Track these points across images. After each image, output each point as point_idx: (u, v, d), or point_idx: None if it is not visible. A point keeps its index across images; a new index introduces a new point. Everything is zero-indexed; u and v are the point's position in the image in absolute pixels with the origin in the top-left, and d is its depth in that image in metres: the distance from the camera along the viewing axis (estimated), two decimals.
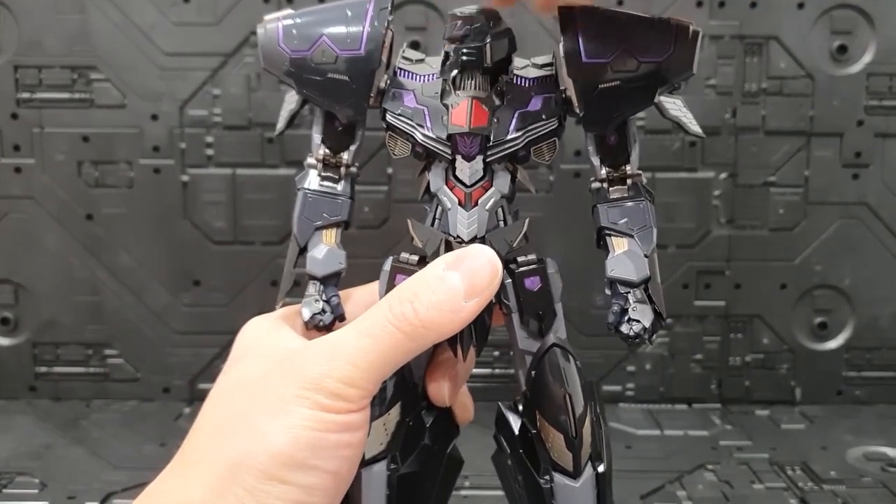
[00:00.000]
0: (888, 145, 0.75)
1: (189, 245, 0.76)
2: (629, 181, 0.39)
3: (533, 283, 0.38)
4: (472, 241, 0.37)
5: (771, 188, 0.75)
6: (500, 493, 0.43)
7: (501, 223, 0.38)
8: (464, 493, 0.60)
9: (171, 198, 0.75)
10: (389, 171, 0.75)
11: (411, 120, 0.38)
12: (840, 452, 0.68)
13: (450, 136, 0.37)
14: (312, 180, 0.40)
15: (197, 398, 0.78)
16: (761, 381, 0.78)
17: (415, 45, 0.73)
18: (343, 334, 0.34)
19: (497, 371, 0.77)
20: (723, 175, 0.75)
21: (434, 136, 0.37)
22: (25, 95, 0.74)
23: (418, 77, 0.39)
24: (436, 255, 0.37)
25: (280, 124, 0.42)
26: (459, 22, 0.37)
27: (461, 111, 0.37)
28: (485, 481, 0.60)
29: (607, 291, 0.38)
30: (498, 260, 0.35)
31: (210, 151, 0.75)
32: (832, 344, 0.78)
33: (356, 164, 0.41)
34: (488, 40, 0.37)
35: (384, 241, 0.74)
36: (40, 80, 0.74)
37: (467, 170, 0.37)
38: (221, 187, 0.75)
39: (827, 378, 0.78)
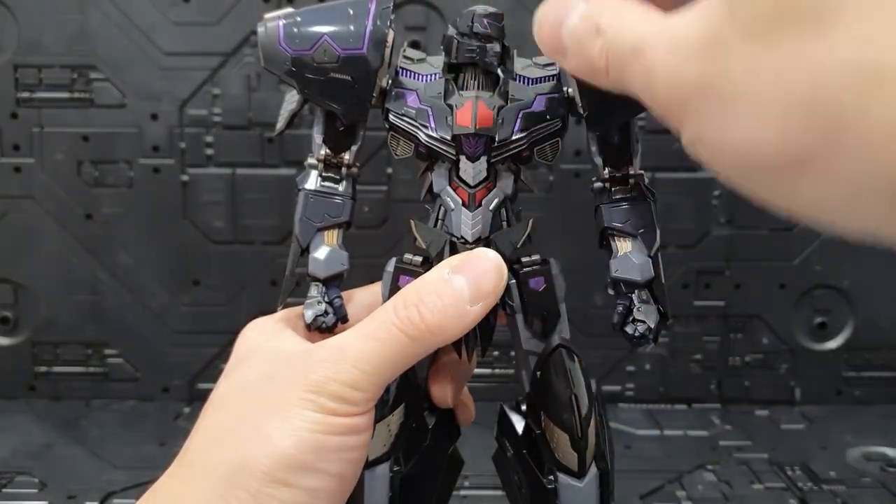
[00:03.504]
0: None
1: (189, 245, 0.76)
2: (632, 181, 0.39)
3: (537, 284, 0.38)
4: (477, 242, 0.37)
5: None
6: (499, 493, 0.43)
7: (505, 224, 0.38)
8: (463, 493, 0.60)
9: (170, 197, 0.75)
10: (389, 171, 0.75)
11: (415, 120, 0.37)
12: (839, 452, 0.68)
13: (454, 137, 0.37)
14: (313, 181, 0.40)
15: (196, 398, 0.78)
16: (761, 381, 0.78)
17: (415, 45, 0.73)
18: (347, 337, 0.33)
19: (497, 371, 0.77)
20: None
21: (438, 137, 0.37)
22: (25, 95, 0.74)
23: (420, 77, 0.39)
24: (440, 256, 0.37)
25: (280, 124, 0.41)
26: (474, 16, 0.37)
27: (466, 111, 0.37)
28: (484, 481, 0.60)
29: (611, 292, 0.38)
30: (503, 263, 0.35)
31: (210, 151, 0.75)
32: (832, 344, 0.78)
33: (357, 164, 0.41)
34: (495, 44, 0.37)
35: (384, 242, 0.74)
36: (40, 80, 0.73)
37: (471, 170, 0.37)
38: (221, 187, 0.75)
39: (826, 378, 0.78)
